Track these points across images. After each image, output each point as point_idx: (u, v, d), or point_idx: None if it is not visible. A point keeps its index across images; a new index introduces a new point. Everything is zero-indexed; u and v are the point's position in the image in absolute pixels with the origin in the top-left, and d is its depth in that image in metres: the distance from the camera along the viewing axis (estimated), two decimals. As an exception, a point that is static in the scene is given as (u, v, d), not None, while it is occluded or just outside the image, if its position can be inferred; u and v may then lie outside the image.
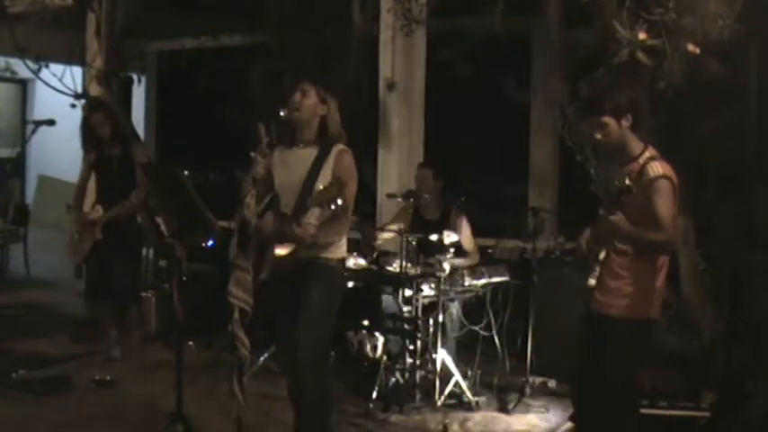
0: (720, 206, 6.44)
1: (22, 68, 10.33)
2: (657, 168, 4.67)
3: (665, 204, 4.64)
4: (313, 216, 4.97)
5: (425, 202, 7.55)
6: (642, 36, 6.18)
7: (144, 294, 8.61)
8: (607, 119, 4.78)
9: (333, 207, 4.74)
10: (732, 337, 6.09)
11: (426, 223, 7.48)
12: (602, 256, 4.82)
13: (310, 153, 5.18)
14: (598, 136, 4.84)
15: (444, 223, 7.43)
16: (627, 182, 4.53)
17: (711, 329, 6.42)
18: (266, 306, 5.23)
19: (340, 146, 5.21)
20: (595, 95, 4.97)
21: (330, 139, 5.22)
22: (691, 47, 6.21)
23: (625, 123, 4.78)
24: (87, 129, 7.71)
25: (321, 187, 4.84)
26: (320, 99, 5.23)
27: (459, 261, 7.18)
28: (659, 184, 4.64)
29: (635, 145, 4.84)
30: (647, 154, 4.79)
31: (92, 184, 7.92)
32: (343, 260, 5.36)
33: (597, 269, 4.84)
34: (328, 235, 5.11)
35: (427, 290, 6.98)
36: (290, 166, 5.23)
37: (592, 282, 4.84)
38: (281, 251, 5.07)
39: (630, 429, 4.98)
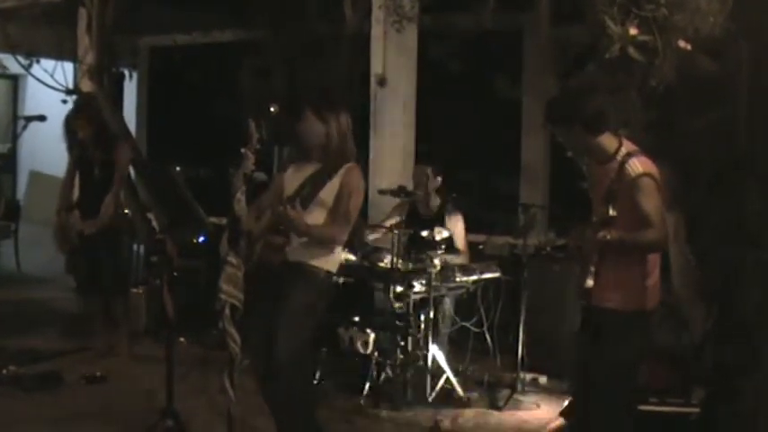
0: (711, 203, 6.45)
1: (13, 64, 10.33)
2: (637, 166, 4.62)
3: (651, 202, 4.60)
4: (310, 217, 5.00)
5: (420, 198, 7.56)
6: (633, 32, 6.18)
7: (134, 290, 8.60)
8: (560, 128, 4.79)
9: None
10: (722, 333, 6.09)
11: (422, 219, 7.49)
12: (597, 253, 4.82)
13: (313, 168, 5.21)
14: (569, 146, 4.85)
15: (439, 219, 7.45)
16: (611, 212, 4.51)
17: (702, 326, 6.43)
18: (250, 299, 5.23)
19: (350, 164, 5.21)
20: (550, 106, 4.95)
21: (333, 154, 5.22)
22: (682, 43, 6.22)
23: (577, 130, 4.75)
24: (69, 130, 7.68)
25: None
26: (322, 120, 5.21)
27: (450, 257, 7.19)
28: (642, 183, 4.59)
29: (608, 143, 4.76)
30: (623, 150, 4.72)
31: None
32: (330, 273, 5.28)
33: (592, 269, 4.83)
34: (323, 235, 5.11)
35: (418, 286, 6.98)
36: (296, 181, 5.24)
37: (590, 283, 4.83)
38: (274, 242, 5.08)
39: (625, 425, 4.98)
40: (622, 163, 4.65)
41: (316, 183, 5.13)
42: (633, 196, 4.58)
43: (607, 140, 4.76)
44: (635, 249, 4.71)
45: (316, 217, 5.06)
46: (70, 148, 7.76)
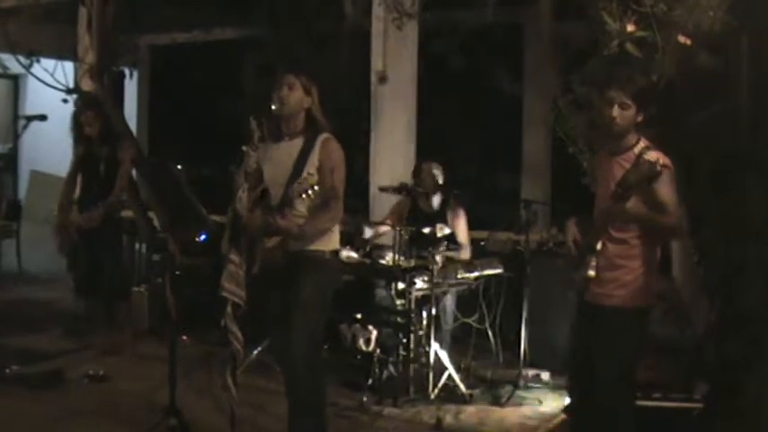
0: (713, 197, 6.45)
1: (13, 64, 10.31)
2: (655, 157, 4.68)
3: (667, 191, 4.68)
4: (302, 206, 4.99)
5: (420, 195, 7.55)
6: (631, 28, 6.19)
7: (137, 289, 8.61)
8: (632, 102, 4.80)
9: (311, 194, 4.76)
10: (725, 327, 6.09)
11: (424, 215, 7.48)
12: (598, 246, 4.83)
13: (296, 145, 5.18)
14: (614, 114, 4.80)
15: (441, 215, 7.44)
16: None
17: (704, 320, 6.43)
18: (259, 300, 5.23)
19: (325, 134, 5.20)
20: (633, 77, 4.98)
21: (316, 129, 5.22)
22: (682, 39, 6.22)
23: (639, 117, 4.81)
24: (77, 125, 7.70)
25: (304, 176, 4.86)
26: (305, 91, 5.23)
27: (451, 254, 7.18)
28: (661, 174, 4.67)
29: (631, 136, 4.86)
30: (641, 144, 4.82)
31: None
32: (336, 252, 5.33)
33: (594, 260, 4.84)
34: (320, 223, 5.09)
35: (420, 283, 6.97)
36: (277, 159, 5.22)
37: (591, 273, 4.84)
38: (269, 244, 5.06)
39: (627, 421, 4.98)
40: (640, 154, 4.69)
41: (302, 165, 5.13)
42: (653, 187, 4.63)
43: (632, 132, 4.86)
44: (652, 229, 4.72)
45: (305, 202, 5.03)
46: (76, 144, 7.78)
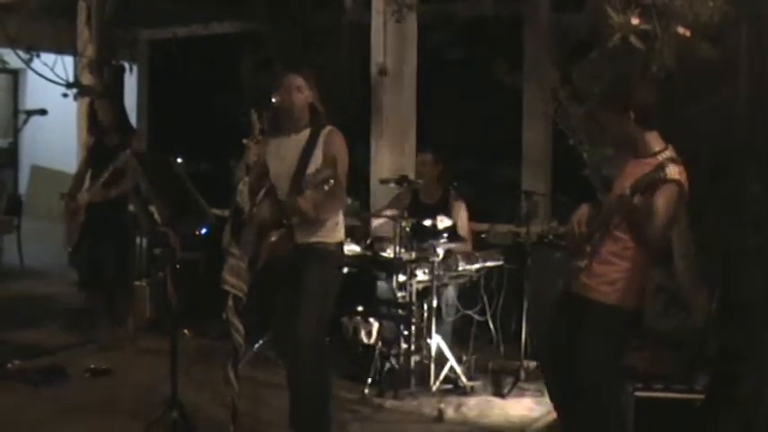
0: (712, 187, 6.45)
1: (13, 58, 10.31)
2: (674, 173, 4.60)
3: (663, 203, 4.62)
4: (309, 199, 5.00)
5: (421, 187, 7.55)
6: (635, 21, 6.18)
7: (138, 283, 8.61)
8: (607, 111, 4.83)
9: (326, 187, 4.77)
10: (724, 318, 6.09)
11: (424, 207, 7.48)
12: (597, 237, 4.83)
13: (301, 139, 5.20)
14: (605, 127, 4.87)
15: (442, 207, 7.45)
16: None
17: (704, 310, 6.43)
18: (262, 293, 5.24)
19: (329, 127, 5.23)
20: (611, 88, 5.02)
21: (320, 122, 5.24)
22: (681, 29, 6.21)
23: (627, 116, 4.79)
24: (90, 114, 7.74)
25: (314, 169, 4.86)
26: (309, 88, 5.25)
27: (452, 246, 7.18)
28: (669, 187, 4.62)
29: (654, 142, 4.83)
30: (667, 153, 4.76)
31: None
32: (341, 243, 5.36)
33: (588, 248, 4.84)
34: (322, 213, 5.10)
35: (421, 275, 6.98)
36: (282, 154, 5.23)
37: (583, 263, 4.85)
38: (274, 237, 5.07)
39: (614, 418, 4.99)
40: (662, 164, 4.64)
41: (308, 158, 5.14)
42: (656, 194, 4.62)
43: (654, 138, 4.84)
44: (637, 222, 4.69)
45: (307, 195, 5.03)
46: (88, 134, 7.81)
